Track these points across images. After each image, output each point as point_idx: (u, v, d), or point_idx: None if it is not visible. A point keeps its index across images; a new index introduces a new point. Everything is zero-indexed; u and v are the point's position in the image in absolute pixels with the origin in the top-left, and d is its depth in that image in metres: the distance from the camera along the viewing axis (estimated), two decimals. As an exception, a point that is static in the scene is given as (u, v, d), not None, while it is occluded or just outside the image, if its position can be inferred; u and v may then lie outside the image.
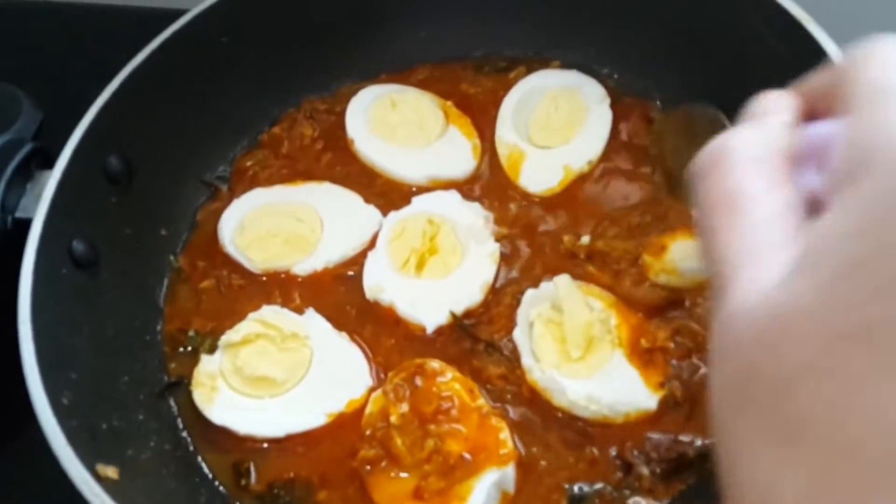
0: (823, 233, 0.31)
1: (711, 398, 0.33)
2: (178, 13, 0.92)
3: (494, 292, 0.87)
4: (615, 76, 1.01)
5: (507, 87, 1.01)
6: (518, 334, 0.83)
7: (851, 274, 0.28)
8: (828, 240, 0.30)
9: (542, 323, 0.81)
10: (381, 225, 0.92)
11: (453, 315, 0.85)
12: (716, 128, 0.50)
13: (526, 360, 0.81)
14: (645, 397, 0.78)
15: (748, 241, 0.34)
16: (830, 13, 0.80)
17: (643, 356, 0.79)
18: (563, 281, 0.83)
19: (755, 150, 0.37)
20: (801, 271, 0.31)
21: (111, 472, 0.69)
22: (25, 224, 0.79)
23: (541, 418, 0.79)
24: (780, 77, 0.46)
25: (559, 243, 0.89)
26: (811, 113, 0.40)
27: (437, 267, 0.88)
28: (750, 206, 0.35)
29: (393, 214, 0.92)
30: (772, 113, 0.39)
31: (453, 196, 0.93)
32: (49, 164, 0.85)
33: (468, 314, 0.86)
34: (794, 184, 0.36)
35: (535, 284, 0.85)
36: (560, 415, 0.79)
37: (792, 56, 0.78)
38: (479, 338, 0.84)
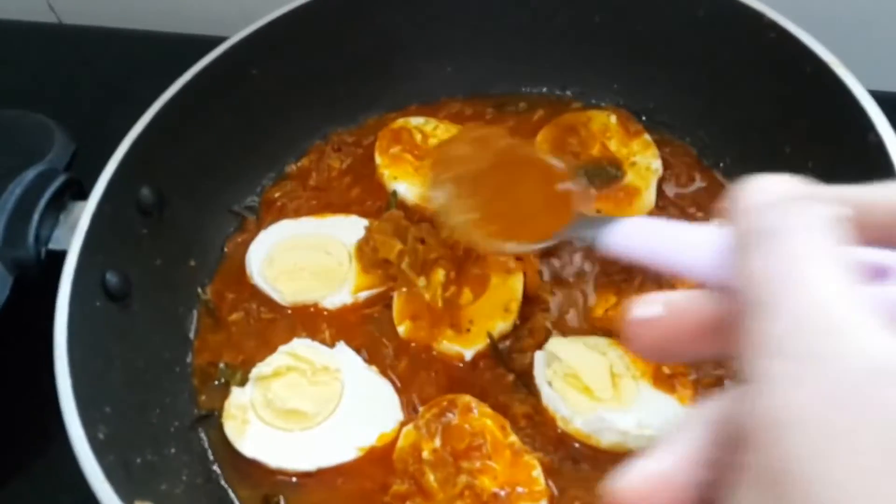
0: None
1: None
2: (211, 40, 0.93)
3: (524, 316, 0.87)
4: (643, 118, 1.00)
5: (532, 126, 1.01)
6: (546, 393, 0.82)
7: None
8: None
9: (560, 379, 0.81)
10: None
11: (490, 337, 0.85)
12: None
13: (563, 412, 0.79)
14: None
15: (833, 307, 0.27)
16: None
17: (667, 381, 0.80)
18: (555, 346, 0.83)
19: (823, 234, 0.29)
20: None
21: (148, 508, 0.69)
22: (58, 256, 0.79)
23: (571, 461, 0.78)
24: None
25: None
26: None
27: (464, 294, 0.88)
28: (822, 280, 0.28)
29: None
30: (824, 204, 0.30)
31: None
32: (82, 195, 0.85)
33: (502, 338, 0.86)
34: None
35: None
36: (592, 454, 0.78)
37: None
38: (511, 367, 0.84)
